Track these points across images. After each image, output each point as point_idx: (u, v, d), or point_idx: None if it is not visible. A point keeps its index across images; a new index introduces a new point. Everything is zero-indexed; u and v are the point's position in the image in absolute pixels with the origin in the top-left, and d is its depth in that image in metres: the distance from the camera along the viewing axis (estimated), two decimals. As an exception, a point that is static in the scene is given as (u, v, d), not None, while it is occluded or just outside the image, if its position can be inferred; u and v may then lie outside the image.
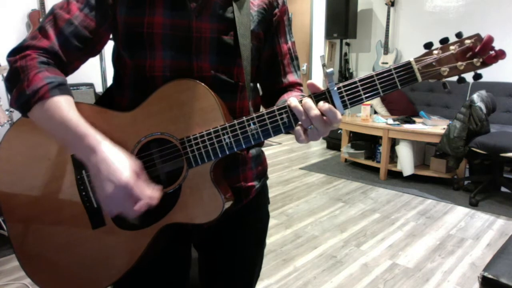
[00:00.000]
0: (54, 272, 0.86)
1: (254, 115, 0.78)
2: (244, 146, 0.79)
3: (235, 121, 0.78)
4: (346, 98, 0.75)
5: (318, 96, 0.76)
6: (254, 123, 0.78)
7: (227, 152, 0.79)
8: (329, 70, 0.73)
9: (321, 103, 0.74)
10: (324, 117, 0.73)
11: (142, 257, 0.83)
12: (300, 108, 0.74)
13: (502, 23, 4.38)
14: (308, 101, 0.74)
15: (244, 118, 0.78)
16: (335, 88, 0.75)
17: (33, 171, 0.84)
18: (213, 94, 0.79)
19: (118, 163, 0.73)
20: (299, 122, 0.75)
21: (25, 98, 0.74)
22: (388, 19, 5.13)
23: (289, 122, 0.77)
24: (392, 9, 5.16)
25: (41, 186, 0.84)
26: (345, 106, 0.75)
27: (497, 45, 0.72)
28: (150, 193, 0.74)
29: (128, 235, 0.83)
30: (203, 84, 0.79)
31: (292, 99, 0.76)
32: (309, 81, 0.76)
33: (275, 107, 0.77)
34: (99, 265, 0.84)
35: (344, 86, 0.75)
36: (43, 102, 0.74)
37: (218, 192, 0.80)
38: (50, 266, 0.86)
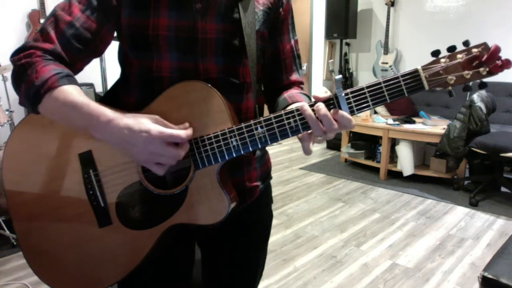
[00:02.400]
0: (59, 269, 0.87)
1: (261, 118, 0.78)
2: (251, 149, 0.79)
3: (243, 125, 0.79)
4: (353, 104, 0.75)
5: (326, 101, 0.76)
6: (261, 127, 0.78)
7: (234, 155, 0.79)
8: (338, 76, 0.74)
9: (333, 111, 0.75)
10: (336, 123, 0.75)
11: (147, 257, 0.84)
12: (314, 118, 0.75)
13: (502, 23, 4.38)
14: (322, 110, 0.74)
15: (252, 122, 0.78)
16: (343, 94, 0.75)
17: (39, 169, 0.84)
18: (221, 96, 0.80)
19: (139, 123, 0.74)
20: (308, 131, 0.76)
21: (34, 89, 0.74)
22: (388, 19, 5.13)
23: (296, 127, 0.77)
24: (392, 9, 5.16)
25: (47, 184, 0.84)
26: (352, 112, 0.75)
27: (497, 44, 0.72)
28: (181, 132, 0.76)
29: (134, 234, 0.83)
30: (210, 85, 0.80)
31: (304, 106, 0.76)
32: (313, 94, 0.77)
33: (282, 111, 0.78)
34: (105, 263, 0.85)
35: (351, 92, 0.75)
36: (53, 91, 0.74)
37: (224, 194, 0.80)
38: (56, 263, 0.86)
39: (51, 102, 0.74)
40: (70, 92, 0.74)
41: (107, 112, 0.74)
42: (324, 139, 0.77)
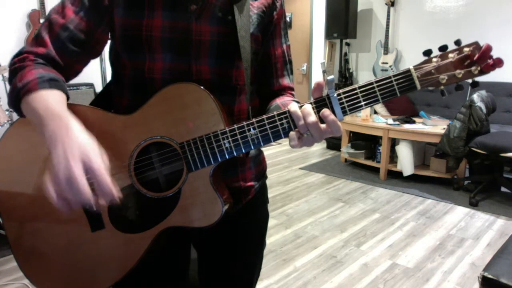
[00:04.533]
0: (52, 274, 0.86)
1: (254, 120, 0.77)
2: (244, 151, 0.79)
3: (235, 126, 0.78)
4: (345, 104, 0.75)
5: (318, 102, 0.75)
6: (254, 128, 0.77)
7: (227, 157, 0.79)
8: (330, 77, 0.73)
9: (326, 113, 0.73)
10: (323, 126, 0.73)
11: (141, 260, 0.83)
12: (299, 113, 0.74)
13: (502, 23, 4.38)
14: (307, 107, 0.74)
15: (244, 123, 0.77)
16: (335, 95, 0.74)
17: (32, 171, 0.83)
18: (213, 98, 0.79)
19: (93, 147, 0.70)
20: (295, 129, 0.75)
21: (16, 92, 0.74)
22: (388, 19, 5.13)
23: (289, 128, 0.76)
24: (392, 9, 5.16)
25: (40, 187, 0.82)
26: (344, 113, 0.75)
27: (496, 45, 0.72)
28: (114, 189, 0.68)
29: (128, 238, 0.83)
30: (203, 87, 0.79)
31: (292, 104, 0.75)
32: (317, 81, 0.75)
33: (275, 112, 0.77)
34: (98, 267, 0.84)
35: (344, 93, 0.75)
36: (31, 94, 0.72)
37: (218, 196, 0.80)
38: (48, 268, 0.85)
39: (26, 105, 0.73)
40: (47, 98, 0.72)
41: (71, 119, 0.71)
42: (312, 141, 0.75)
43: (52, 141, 0.68)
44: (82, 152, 0.67)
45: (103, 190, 0.68)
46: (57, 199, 0.67)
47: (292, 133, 0.75)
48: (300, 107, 0.75)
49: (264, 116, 0.77)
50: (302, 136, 0.75)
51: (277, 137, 0.77)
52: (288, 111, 0.76)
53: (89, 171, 0.67)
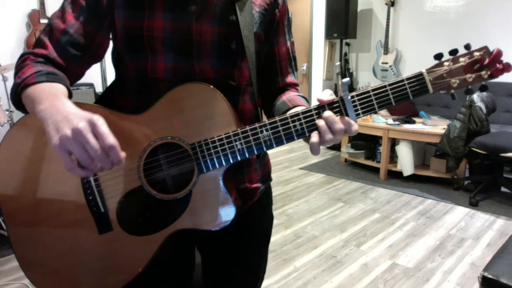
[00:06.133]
0: (58, 278, 0.84)
1: (266, 121, 0.77)
2: (256, 152, 0.78)
3: (247, 127, 0.77)
4: (359, 107, 0.75)
5: (331, 104, 0.76)
6: (266, 130, 0.77)
7: (239, 158, 0.78)
8: (345, 79, 0.73)
9: (326, 114, 0.75)
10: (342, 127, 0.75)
11: (149, 263, 0.82)
12: (326, 127, 0.75)
13: (502, 23, 4.38)
14: (331, 116, 0.75)
15: (257, 125, 0.77)
16: (349, 97, 0.75)
17: (35, 173, 0.81)
18: (224, 99, 0.78)
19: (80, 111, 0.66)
20: (315, 132, 0.76)
21: (15, 88, 0.75)
22: (388, 19, 5.13)
23: (302, 130, 0.76)
24: (392, 9, 5.16)
25: (44, 189, 0.81)
26: (357, 115, 0.75)
27: (496, 45, 0.72)
28: (120, 151, 0.64)
29: (136, 240, 0.81)
30: (212, 87, 0.79)
31: (318, 121, 0.76)
32: (318, 97, 0.77)
33: (287, 114, 0.77)
34: (106, 270, 0.83)
35: (357, 95, 0.75)
36: (29, 87, 0.72)
37: (229, 198, 0.79)
38: (54, 272, 0.83)
39: (26, 98, 0.73)
40: (43, 88, 0.71)
41: (67, 100, 0.68)
42: (331, 143, 0.77)
43: (48, 113, 0.65)
44: (82, 115, 0.63)
45: (110, 150, 0.63)
46: (71, 164, 0.63)
47: (314, 143, 0.75)
48: (318, 113, 0.75)
49: (277, 118, 0.77)
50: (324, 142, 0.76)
51: (290, 138, 0.77)
52: (303, 113, 0.76)
53: (93, 129, 0.62)
